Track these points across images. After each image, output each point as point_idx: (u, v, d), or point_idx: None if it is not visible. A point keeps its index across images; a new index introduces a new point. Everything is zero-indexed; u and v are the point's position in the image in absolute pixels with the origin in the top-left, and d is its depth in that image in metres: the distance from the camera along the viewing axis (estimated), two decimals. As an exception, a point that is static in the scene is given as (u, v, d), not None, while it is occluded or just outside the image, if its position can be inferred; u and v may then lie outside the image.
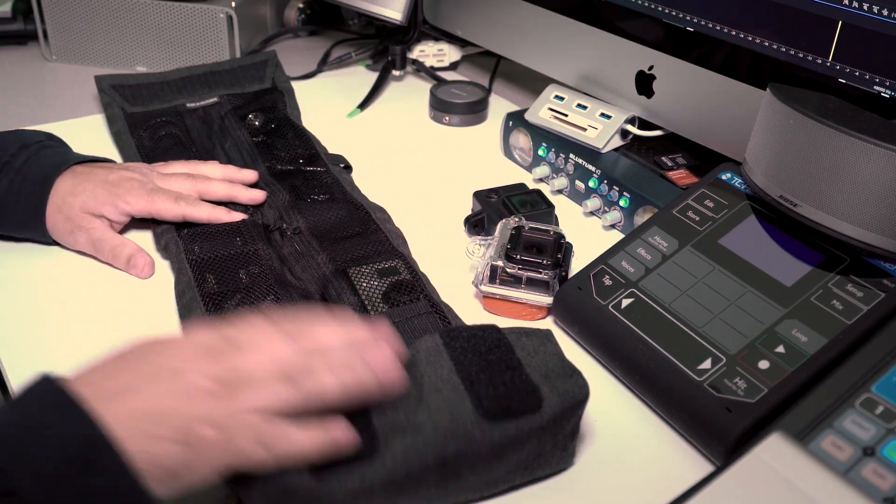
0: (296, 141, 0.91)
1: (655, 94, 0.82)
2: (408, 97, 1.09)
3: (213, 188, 0.78)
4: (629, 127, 0.85)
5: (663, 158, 0.83)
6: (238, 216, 0.76)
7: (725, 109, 0.75)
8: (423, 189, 0.88)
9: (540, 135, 0.89)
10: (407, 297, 0.67)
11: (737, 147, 0.74)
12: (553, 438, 0.51)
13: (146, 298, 0.70)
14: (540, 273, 0.67)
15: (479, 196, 0.80)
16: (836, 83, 0.65)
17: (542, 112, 0.90)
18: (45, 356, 0.63)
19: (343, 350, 0.47)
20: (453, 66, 1.17)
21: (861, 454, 0.48)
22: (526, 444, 0.50)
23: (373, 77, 1.11)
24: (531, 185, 0.83)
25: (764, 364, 0.56)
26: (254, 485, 0.45)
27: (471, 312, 0.68)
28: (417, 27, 1.12)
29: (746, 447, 0.49)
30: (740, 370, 0.56)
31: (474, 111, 1.02)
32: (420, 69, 1.14)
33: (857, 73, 0.64)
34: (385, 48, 1.14)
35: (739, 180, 0.68)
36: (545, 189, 0.87)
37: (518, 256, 0.67)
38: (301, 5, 1.27)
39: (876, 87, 0.63)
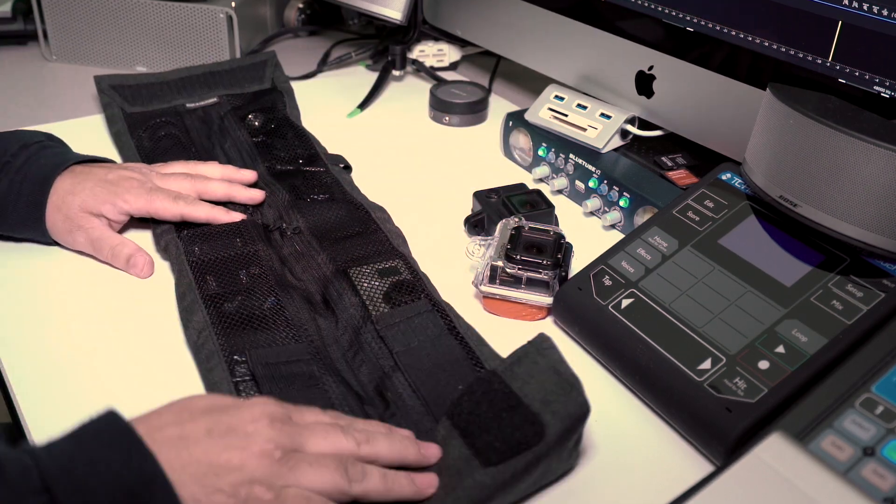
0: (295, 141, 0.91)
1: (655, 94, 0.82)
2: (408, 97, 1.09)
3: (211, 188, 0.78)
4: (629, 127, 0.85)
5: (663, 158, 0.83)
6: (237, 216, 0.76)
7: (725, 109, 0.75)
8: (423, 189, 0.88)
9: (540, 135, 0.89)
10: (408, 297, 0.67)
11: (737, 147, 0.74)
12: (558, 456, 0.52)
13: (146, 298, 0.70)
14: (540, 273, 0.67)
15: (479, 196, 0.80)
16: (836, 83, 0.65)
17: (542, 112, 0.90)
18: (45, 356, 0.63)
19: (394, 463, 0.51)
20: (453, 66, 1.17)
21: (861, 454, 0.48)
22: (535, 469, 0.51)
23: (373, 77, 1.11)
24: (531, 185, 0.83)
25: (764, 364, 0.56)
26: None
27: (471, 313, 0.68)
28: (417, 27, 1.12)
29: (746, 447, 0.49)
30: (740, 370, 0.56)
31: (474, 111, 1.02)
32: (420, 69, 1.14)
33: (857, 73, 0.64)
34: (385, 48, 1.14)
35: (739, 180, 0.68)
36: (545, 189, 0.87)
37: (518, 256, 0.67)
38: (301, 5, 1.27)
39: (876, 87, 0.63)
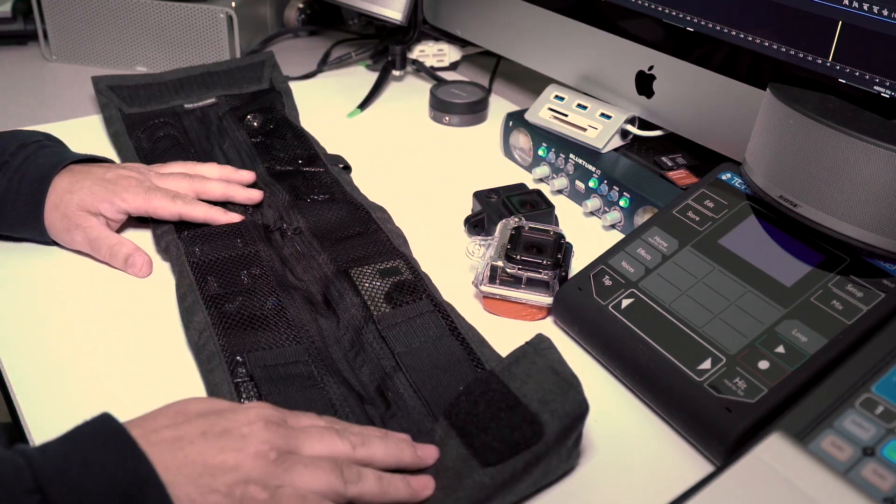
0: (294, 141, 0.91)
1: (655, 94, 0.82)
2: (408, 97, 1.09)
3: (209, 188, 0.78)
4: (629, 127, 0.85)
5: (663, 158, 0.83)
6: (235, 217, 0.76)
7: (725, 109, 0.75)
8: (423, 189, 0.88)
9: (540, 135, 0.89)
10: (409, 297, 0.67)
11: (737, 147, 0.74)
12: (558, 455, 0.52)
13: (146, 298, 0.70)
14: (540, 273, 0.67)
15: (479, 196, 0.80)
16: (836, 83, 0.65)
17: (542, 112, 0.90)
18: (45, 356, 0.63)
19: (390, 466, 0.51)
20: (453, 66, 1.17)
21: (861, 454, 0.48)
22: (535, 469, 0.51)
23: (373, 77, 1.11)
24: (531, 185, 0.83)
25: (764, 364, 0.56)
26: None
27: (471, 313, 0.68)
28: (417, 27, 1.12)
29: (746, 447, 0.49)
30: (740, 370, 0.56)
31: (474, 111, 1.02)
32: (420, 69, 1.14)
33: (857, 73, 0.64)
34: (385, 48, 1.14)
35: (739, 180, 0.68)
36: (545, 189, 0.87)
37: (518, 256, 0.67)
38: (301, 5, 1.27)
39: (876, 87, 0.63)
